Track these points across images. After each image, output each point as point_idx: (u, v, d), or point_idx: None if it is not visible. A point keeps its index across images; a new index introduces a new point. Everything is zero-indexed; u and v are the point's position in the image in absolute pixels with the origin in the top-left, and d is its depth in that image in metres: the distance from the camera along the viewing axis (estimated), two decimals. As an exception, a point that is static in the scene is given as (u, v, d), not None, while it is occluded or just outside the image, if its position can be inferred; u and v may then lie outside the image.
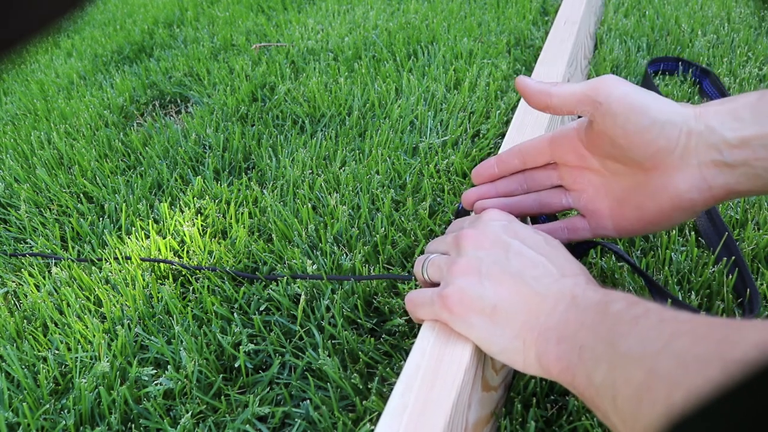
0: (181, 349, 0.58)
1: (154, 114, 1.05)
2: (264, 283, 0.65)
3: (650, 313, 0.30)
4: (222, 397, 0.54)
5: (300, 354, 0.57)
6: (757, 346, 0.23)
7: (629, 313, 0.31)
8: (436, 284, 0.42)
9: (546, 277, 0.37)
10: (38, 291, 0.68)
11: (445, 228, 0.67)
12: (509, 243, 0.39)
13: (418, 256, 0.64)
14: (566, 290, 0.36)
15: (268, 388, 0.55)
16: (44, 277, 0.70)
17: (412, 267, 0.64)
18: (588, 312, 0.34)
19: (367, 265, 0.64)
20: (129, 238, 0.74)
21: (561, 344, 0.34)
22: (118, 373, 0.57)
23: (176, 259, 0.70)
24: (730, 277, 0.56)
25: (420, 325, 0.42)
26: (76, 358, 0.59)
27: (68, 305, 0.65)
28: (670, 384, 0.26)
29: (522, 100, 0.69)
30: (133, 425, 0.53)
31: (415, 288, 0.60)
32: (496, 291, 0.37)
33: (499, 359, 0.38)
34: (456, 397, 0.36)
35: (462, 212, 0.51)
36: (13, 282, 0.71)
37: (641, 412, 0.27)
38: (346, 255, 0.66)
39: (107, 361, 0.58)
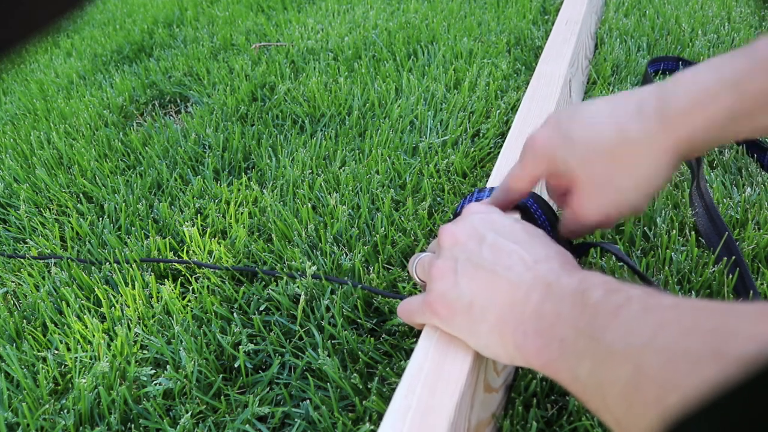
0: (181, 349, 0.58)
1: (153, 114, 1.05)
2: (264, 282, 0.65)
3: (632, 302, 0.29)
4: (222, 397, 0.54)
5: (300, 354, 0.57)
6: (755, 340, 0.22)
7: (609, 303, 0.30)
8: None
9: (518, 265, 0.36)
10: (38, 291, 0.68)
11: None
12: (484, 235, 0.39)
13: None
14: (539, 277, 0.35)
15: (267, 388, 0.55)
16: (44, 277, 0.70)
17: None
18: (565, 302, 0.32)
19: (366, 265, 0.64)
20: (128, 237, 0.74)
21: (539, 338, 0.33)
22: (117, 373, 0.57)
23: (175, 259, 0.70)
24: (730, 277, 0.56)
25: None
26: (76, 358, 0.59)
27: (68, 305, 0.65)
28: (660, 384, 0.24)
29: (523, 101, 0.69)
30: (132, 425, 0.53)
31: (413, 289, 0.60)
32: (470, 287, 0.37)
33: (484, 354, 0.38)
34: (459, 399, 0.36)
35: (461, 212, 0.51)
36: (13, 282, 0.71)
37: (633, 412, 0.26)
38: (346, 255, 0.66)
39: (107, 361, 0.58)
